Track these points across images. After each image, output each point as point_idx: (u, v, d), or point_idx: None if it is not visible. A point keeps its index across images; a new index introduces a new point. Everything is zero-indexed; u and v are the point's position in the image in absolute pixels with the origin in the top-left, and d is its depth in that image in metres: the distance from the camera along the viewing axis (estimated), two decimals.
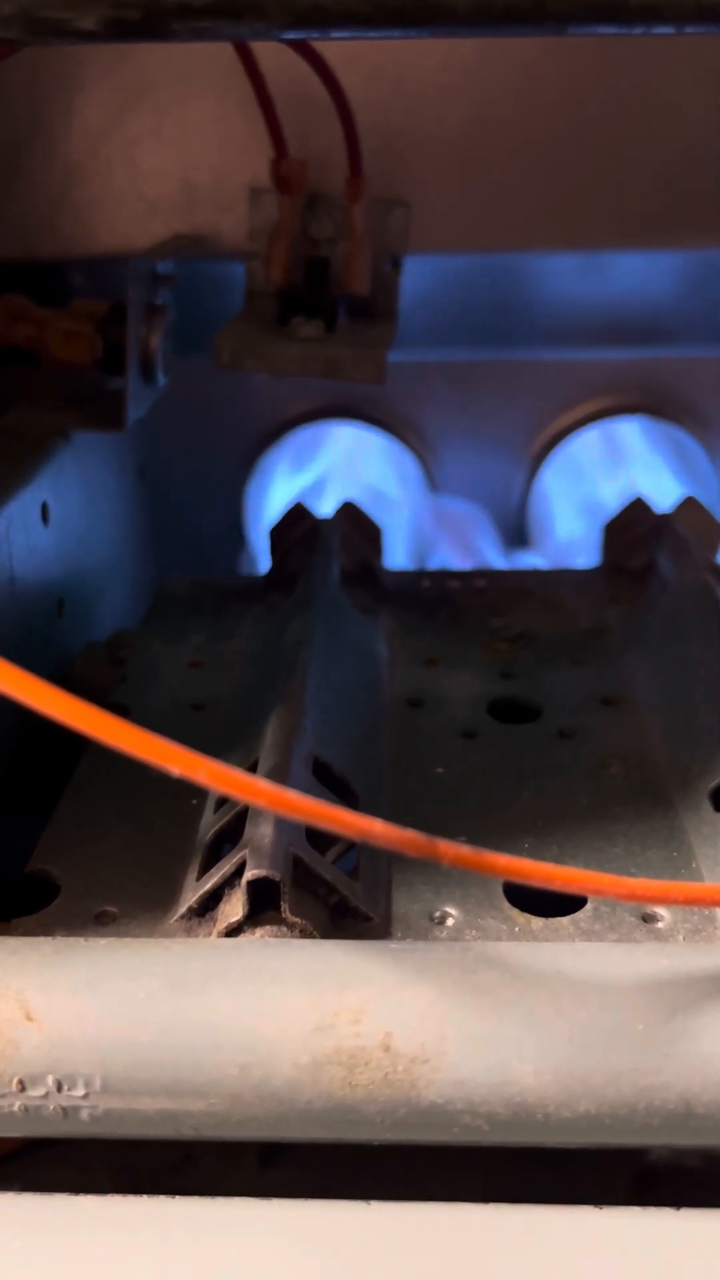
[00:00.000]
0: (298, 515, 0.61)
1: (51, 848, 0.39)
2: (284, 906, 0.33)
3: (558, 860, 0.38)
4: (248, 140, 0.59)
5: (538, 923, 0.35)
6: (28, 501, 0.47)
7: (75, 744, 0.41)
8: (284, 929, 0.33)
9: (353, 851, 0.37)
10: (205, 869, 0.36)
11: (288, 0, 0.25)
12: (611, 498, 0.68)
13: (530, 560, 0.74)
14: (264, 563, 0.64)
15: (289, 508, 0.61)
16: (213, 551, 0.74)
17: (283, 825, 0.34)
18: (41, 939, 0.32)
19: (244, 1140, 0.30)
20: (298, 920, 0.33)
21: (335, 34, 0.26)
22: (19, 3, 0.26)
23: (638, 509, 0.60)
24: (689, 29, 0.27)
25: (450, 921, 0.36)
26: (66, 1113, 0.29)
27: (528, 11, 0.26)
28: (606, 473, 0.73)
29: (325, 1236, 0.29)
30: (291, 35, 0.27)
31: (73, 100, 0.59)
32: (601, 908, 0.36)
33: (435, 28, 0.26)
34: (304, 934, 0.33)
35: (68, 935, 0.32)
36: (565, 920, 0.35)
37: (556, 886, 0.28)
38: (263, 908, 0.33)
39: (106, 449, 0.58)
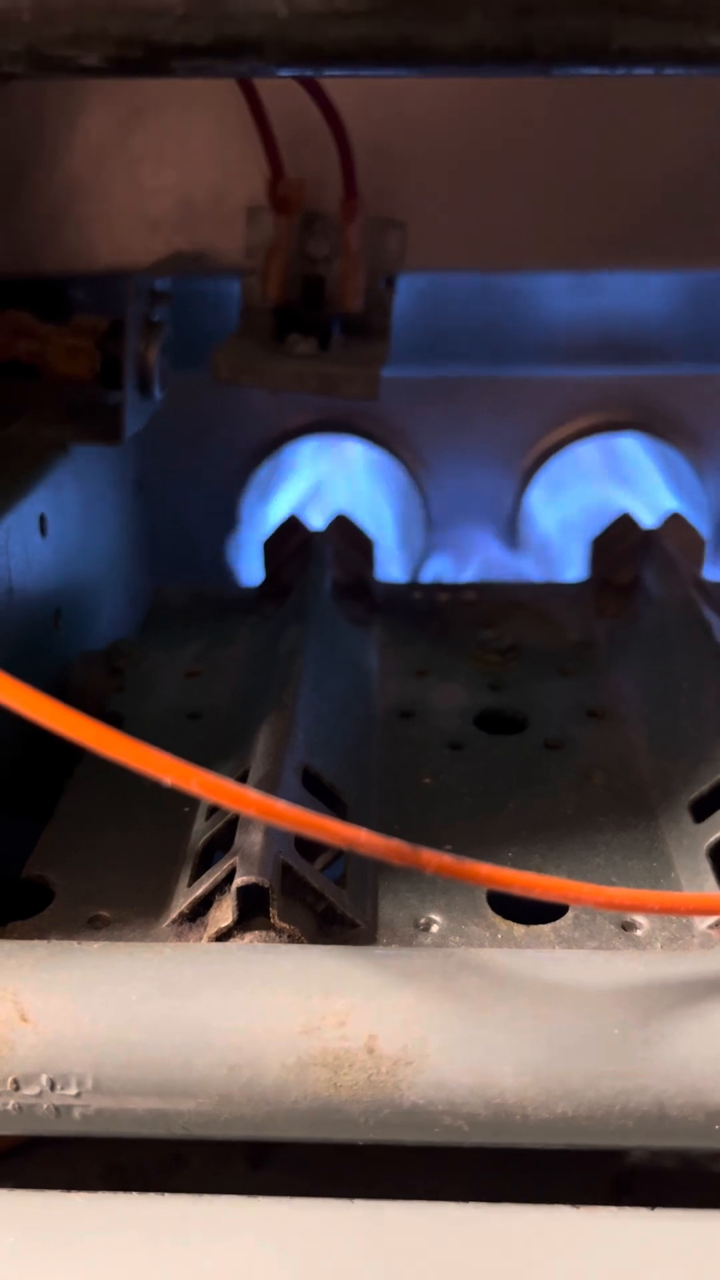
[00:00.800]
0: (291, 528, 0.61)
1: (47, 854, 0.40)
2: (273, 913, 0.33)
3: (540, 869, 0.39)
4: (246, 160, 0.60)
5: (520, 930, 0.36)
6: (26, 513, 0.48)
7: (71, 752, 0.41)
8: (273, 934, 0.34)
9: (341, 859, 0.38)
10: (196, 875, 0.37)
11: (284, 41, 0.26)
12: (600, 513, 0.69)
13: (520, 573, 0.75)
14: (259, 574, 0.65)
15: (283, 520, 0.62)
16: (208, 563, 0.75)
17: (272, 833, 0.35)
18: (37, 942, 0.32)
19: (232, 1139, 0.31)
20: (286, 926, 0.33)
21: (329, 72, 0.27)
22: (25, 40, 0.27)
23: (625, 524, 0.61)
24: (669, 71, 0.28)
25: (435, 928, 0.36)
26: (59, 1111, 0.30)
27: (515, 53, 0.27)
28: (596, 488, 0.73)
29: (311, 1235, 0.29)
30: (287, 73, 0.28)
31: (76, 119, 0.60)
32: (582, 916, 0.36)
33: (427, 68, 0.27)
34: (292, 939, 0.33)
35: (62, 939, 0.33)
36: (546, 928, 0.36)
37: (537, 895, 0.29)
38: (252, 914, 0.34)
39: (104, 462, 0.58)
